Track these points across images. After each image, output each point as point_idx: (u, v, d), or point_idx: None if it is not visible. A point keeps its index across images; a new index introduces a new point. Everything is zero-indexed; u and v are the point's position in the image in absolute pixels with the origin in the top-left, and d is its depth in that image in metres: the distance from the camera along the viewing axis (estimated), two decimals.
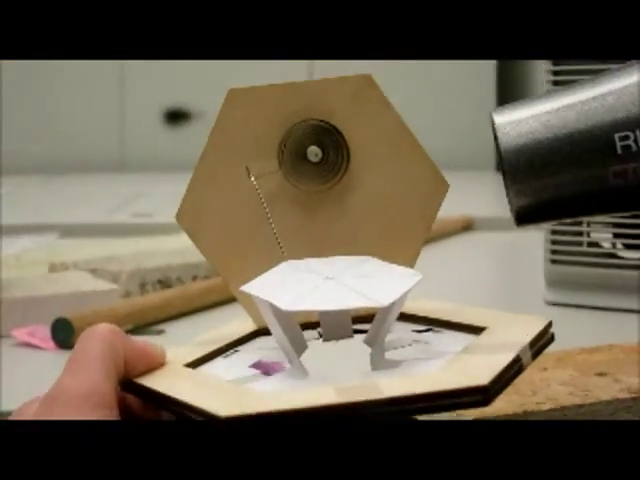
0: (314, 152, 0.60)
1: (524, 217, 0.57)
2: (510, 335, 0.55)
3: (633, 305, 1.16)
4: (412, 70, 2.42)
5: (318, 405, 0.46)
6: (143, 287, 1.23)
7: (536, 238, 1.62)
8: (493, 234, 1.87)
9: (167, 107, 3.34)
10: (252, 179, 0.60)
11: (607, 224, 1.21)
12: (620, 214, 1.16)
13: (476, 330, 0.58)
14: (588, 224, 1.21)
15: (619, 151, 0.55)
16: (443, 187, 0.61)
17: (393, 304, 0.53)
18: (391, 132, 0.61)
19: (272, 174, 0.61)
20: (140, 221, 1.88)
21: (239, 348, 0.60)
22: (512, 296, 1.33)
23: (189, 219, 0.61)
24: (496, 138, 0.57)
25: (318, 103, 0.60)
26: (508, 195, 0.57)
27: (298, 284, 0.55)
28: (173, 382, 0.52)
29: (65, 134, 3.35)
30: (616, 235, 1.21)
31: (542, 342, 0.56)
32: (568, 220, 1.21)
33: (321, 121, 0.60)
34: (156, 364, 0.54)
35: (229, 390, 0.51)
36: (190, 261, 1.27)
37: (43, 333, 1.02)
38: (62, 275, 1.22)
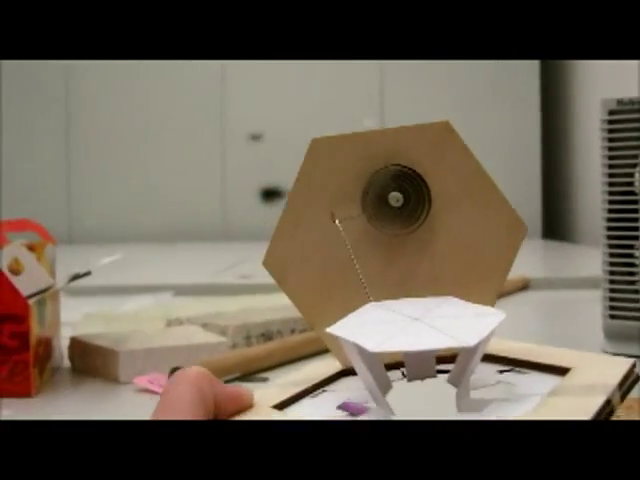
0: (395, 198, 0.54)
1: None
2: (597, 376, 0.47)
3: None
4: None
5: None
6: (248, 339, 1.19)
7: (588, 296, 1.58)
8: (549, 292, 1.83)
9: (263, 186, 3.40)
10: (337, 223, 0.54)
11: None
12: None
13: (560, 371, 0.50)
14: None
15: None
16: (521, 229, 0.55)
17: (479, 344, 0.45)
18: (471, 177, 0.54)
19: (356, 218, 0.55)
20: (244, 282, 1.85)
21: (326, 388, 0.53)
22: (573, 346, 1.26)
23: (276, 264, 0.55)
24: None
25: (399, 150, 0.54)
26: None
27: (384, 325, 0.48)
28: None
29: (175, 208, 3.40)
30: None
31: (629, 382, 0.48)
32: (625, 279, 1.16)
33: (402, 167, 0.54)
34: (245, 406, 0.48)
35: None
36: (289, 316, 1.23)
37: (162, 381, 0.97)
38: (177, 329, 1.18)
